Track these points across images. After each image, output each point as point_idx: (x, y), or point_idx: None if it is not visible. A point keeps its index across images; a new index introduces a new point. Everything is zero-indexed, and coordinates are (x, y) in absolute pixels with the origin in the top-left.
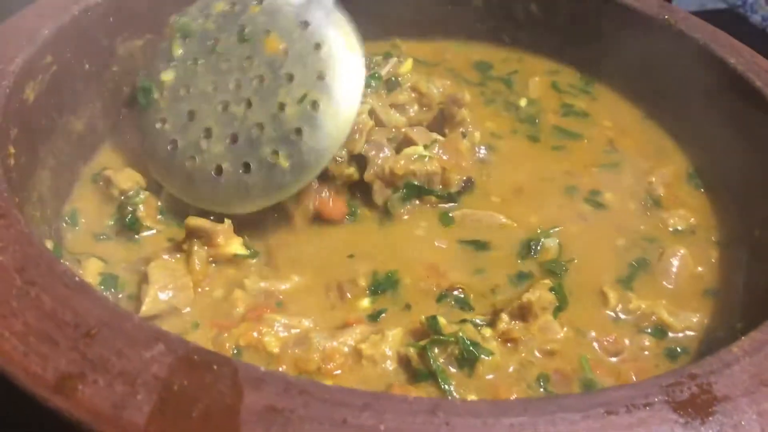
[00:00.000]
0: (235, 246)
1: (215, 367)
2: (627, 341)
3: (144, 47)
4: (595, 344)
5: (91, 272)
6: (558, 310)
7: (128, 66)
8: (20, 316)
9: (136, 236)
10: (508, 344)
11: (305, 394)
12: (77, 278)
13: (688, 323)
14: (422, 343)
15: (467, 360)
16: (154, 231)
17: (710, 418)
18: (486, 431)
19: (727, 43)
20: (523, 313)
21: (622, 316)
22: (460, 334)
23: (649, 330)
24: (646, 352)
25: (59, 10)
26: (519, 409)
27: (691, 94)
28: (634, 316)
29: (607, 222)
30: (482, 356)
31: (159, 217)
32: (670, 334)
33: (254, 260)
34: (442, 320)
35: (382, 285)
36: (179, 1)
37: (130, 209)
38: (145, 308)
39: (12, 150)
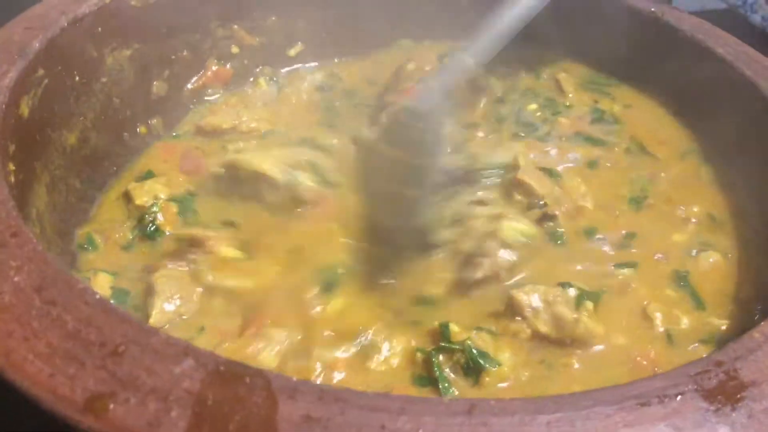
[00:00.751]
0: (228, 250)
1: (247, 379)
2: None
3: (132, 57)
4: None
5: (101, 287)
6: (579, 302)
7: (118, 77)
8: (43, 337)
9: (159, 239)
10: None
11: (341, 401)
12: (98, 296)
13: (735, 323)
14: (429, 349)
15: (473, 369)
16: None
17: (740, 405)
18: (523, 429)
19: (713, 33)
20: (514, 311)
21: (671, 334)
22: (468, 342)
23: (704, 341)
24: None
25: (48, 22)
26: (554, 405)
27: (682, 89)
28: (685, 330)
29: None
30: (488, 366)
31: (179, 221)
32: (723, 339)
33: (249, 262)
34: (454, 327)
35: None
36: (165, 9)
37: (150, 218)
38: (153, 320)
39: (12, 167)
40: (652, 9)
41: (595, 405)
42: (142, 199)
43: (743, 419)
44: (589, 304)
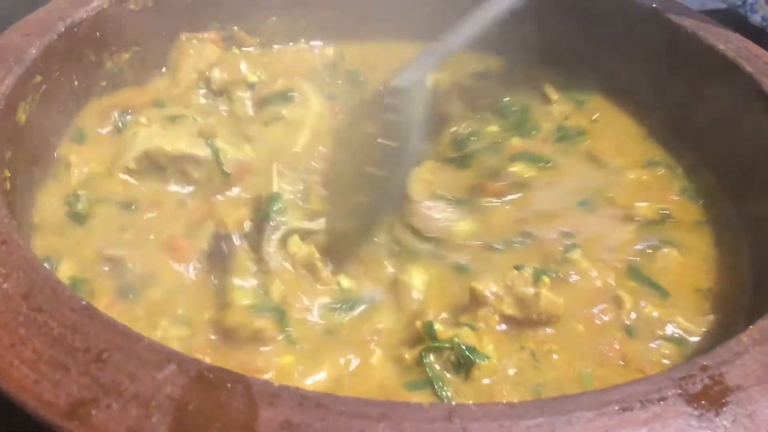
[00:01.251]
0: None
1: (229, 385)
2: (644, 351)
3: (131, 60)
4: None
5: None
6: (536, 279)
7: (117, 80)
8: (29, 343)
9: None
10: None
11: (321, 407)
12: (83, 302)
13: (704, 323)
14: (418, 349)
15: (463, 365)
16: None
17: (724, 409)
18: None
19: (714, 29)
20: (478, 301)
21: (637, 324)
22: (456, 339)
23: (668, 336)
24: (666, 361)
25: (46, 27)
26: (535, 410)
27: (678, 83)
28: (650, 322)
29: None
30: (478, 361)
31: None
32: (691, 339)
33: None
34: (438, 326)
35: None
36: (162, 14)
37: (79, 194)
38: None
39: (8, 173)
40: (654, 5)
41: (576, 410)
42: (73, 178)
43: (727, 424)
44: (546, 279)
